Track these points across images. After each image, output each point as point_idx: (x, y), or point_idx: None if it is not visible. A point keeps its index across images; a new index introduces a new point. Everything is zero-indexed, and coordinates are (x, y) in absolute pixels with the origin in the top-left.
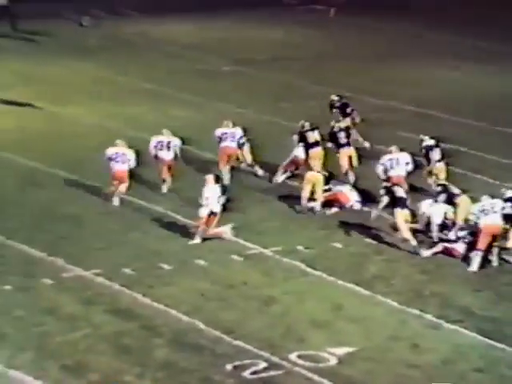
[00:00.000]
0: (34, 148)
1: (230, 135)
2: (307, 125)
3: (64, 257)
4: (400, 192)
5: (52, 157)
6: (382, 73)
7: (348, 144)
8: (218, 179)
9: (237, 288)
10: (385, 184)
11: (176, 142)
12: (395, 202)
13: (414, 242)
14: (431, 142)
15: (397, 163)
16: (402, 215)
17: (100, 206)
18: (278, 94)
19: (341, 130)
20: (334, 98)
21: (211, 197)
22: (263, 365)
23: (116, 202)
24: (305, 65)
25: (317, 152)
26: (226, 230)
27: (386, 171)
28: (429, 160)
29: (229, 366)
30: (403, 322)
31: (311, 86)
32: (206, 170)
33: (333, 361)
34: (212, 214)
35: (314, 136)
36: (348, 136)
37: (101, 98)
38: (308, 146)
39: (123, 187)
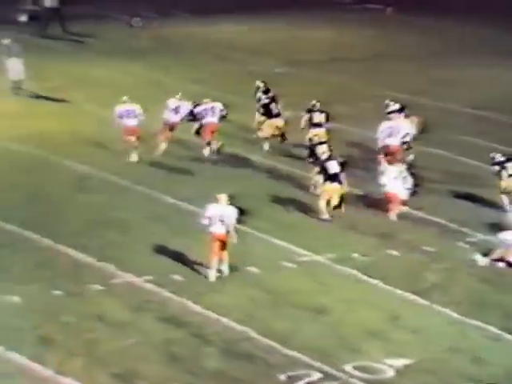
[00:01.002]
0: (85, 152)
1: (211, 111)
2: (318, 105)
3: (113, 263)
4: (333, 168)
5: (102, 161)
6: (439, 73)
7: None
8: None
9: (289, 296)
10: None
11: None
12: (328, 176)
13: (325, 216)
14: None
15: (397, 132)
16: (328, 188)
17: (149, 211)
18: (332, 96)
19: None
20: (389, 102)
21: (215, 217)
22: (317, 375)
23: (134, 158)
24: (360, 66)
25: (317, 132)
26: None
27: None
28: (500, 176)
29: (282, 377)
30: (463, 334)
31: (366, 88)
32: (255, 176)
33: (390, 373)
34: (216, 237)
35: (319, 117)
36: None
37: (150, 100)
38: (310, 125)
39: (136, 142)
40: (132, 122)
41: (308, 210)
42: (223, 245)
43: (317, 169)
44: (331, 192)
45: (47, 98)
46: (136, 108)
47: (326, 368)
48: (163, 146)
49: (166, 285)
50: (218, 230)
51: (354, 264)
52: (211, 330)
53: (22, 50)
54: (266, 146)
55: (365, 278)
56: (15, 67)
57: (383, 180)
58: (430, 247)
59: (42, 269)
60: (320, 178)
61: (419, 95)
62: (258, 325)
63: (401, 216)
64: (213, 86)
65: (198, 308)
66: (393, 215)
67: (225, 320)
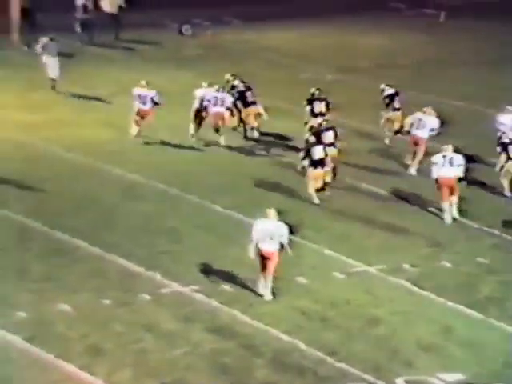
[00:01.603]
0: (134, 159)
1: (220, 100)
2: (317, 93)
3: (162, 272)
4: (318, 154)
5: (151, 169)
6: (496, 79)
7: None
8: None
9: (339, 307)
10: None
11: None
12: (312, 162)
13: (316, 200)
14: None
15: (423, 126)
16: (313, 173)
17: (199, 219)
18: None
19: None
20: (385, 87)
21: (264, 233)
22: None
23: (134, 131)
24: (412, 72)
25: (316, 122)
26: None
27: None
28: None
29: None
30: None
31: (419, 96)
32: (303, 184)
33: None
34: (264, 254)
35: (320, 106)
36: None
37: None
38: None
39: (147, 123)
40: (145, 106)
41: (358, 218)
42: (272, 263)
43: (302, 154)
44: (316, 177)
45: (97, 106)
46: (152, 93)
47: (378, 381)
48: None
49: (215, 295)
50: (267, 247)
51: (405, 275)
52: (260, 341)
53: (58, 49)
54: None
55: (417, 289)
56: (51, 65)
57: (433, 171)
58: (485, 259)
59: (92, 278)
60: (306, 163)
61: (471, 101)
62: (307, 336)
63: (454, 226)
64: (262, 93)
65: (246, 319)
66: (446, 203)
67: (274, 331)
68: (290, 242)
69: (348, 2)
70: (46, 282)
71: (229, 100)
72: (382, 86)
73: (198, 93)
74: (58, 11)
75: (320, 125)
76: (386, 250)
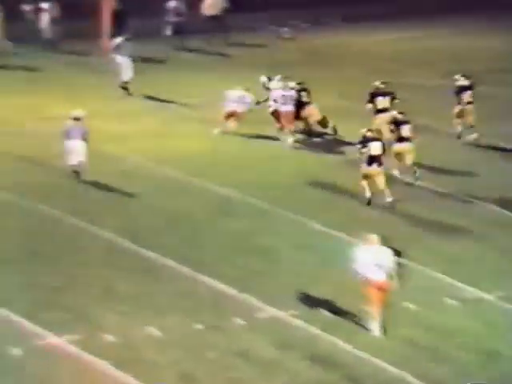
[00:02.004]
0: (227, 173)
1: (289, 98)
2: (382, 87)
3: (257, 295)
4: (375, 150)
5: (245, 183)
6: None
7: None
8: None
9: (452, 337)
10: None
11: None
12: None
13: (367, 194)
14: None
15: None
16: (366, 170)
17: (296, 238)
18: (498, 112)
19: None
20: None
21: (369, 262)
22: None
23: (216, 131)
24: None
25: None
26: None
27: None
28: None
29: None
30: None
31: None
32: (409, 201)
33: None
34: (373, 285)
35: (383, 102)
36: None
37: None
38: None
39: (234, 124)
40: (239, 108)
41: (468, 236)
42: (383, 294)
43: (358, 146)
44: (368, 175)
45: (188, 116)
46: (246, 95)
47: None
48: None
49: (315, 321)
50: (376, 276)
51: None
52: (364, 372)
53: (133, 50)
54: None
55: None
56: (124, 67)
57: None
58: None
59: (182, 299)
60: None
61: None
62: (415, 368)
63: None
64: (362, 101)
65: (349, 347)
66: None
67: (379, 362)
68: (398, 269)
69: (453, 1)
70: (134, 302)
71: (294, 97)
72: (457, 76)
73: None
74: (146, 15)
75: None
76: (505, 275)
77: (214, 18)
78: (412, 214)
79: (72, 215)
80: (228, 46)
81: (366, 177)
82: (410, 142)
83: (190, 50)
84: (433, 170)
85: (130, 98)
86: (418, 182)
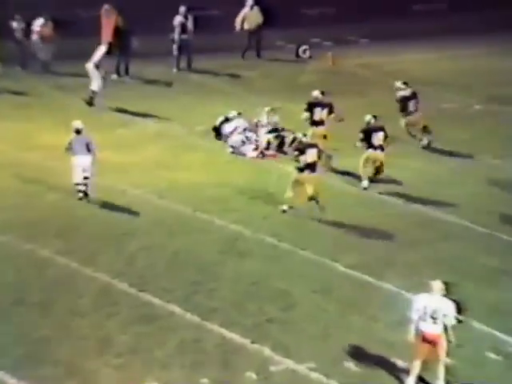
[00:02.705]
0: (238, 208)
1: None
2: (373, 122)
3: (271, 345)
4: (311, 157)
5: (258, 218)
6: None
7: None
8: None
9: None
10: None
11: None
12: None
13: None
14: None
15: None
16: (298, 176)
17: (316, 281)
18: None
19: None
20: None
21: (426, 311)
22: None
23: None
24: None
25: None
26: None
27: None
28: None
29: None
30: None
31: None
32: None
33: None
34: (427, 337)
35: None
36: None
37: None
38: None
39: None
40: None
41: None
42: (435, 348)
43: (296, 153)
44: (300, 181)
45: (195, 145)
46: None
47: None
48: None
49: (336, 375)
50: (429, 328)
51: None
52: None
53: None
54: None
55: None
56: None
57: None
58: None
59: (187, 351)
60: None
61: None
62: None
63: None
64: (393, 128)
65: None
66: None
67: None
68: (457, 324)
69: (492, 18)
70: (133, 355)
71: None
72: (399, 84)
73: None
74: (150, 33)
75: (369, 123)
76: None
77: (250, 33)
78: (451, 255)
79: (63, 255)
80: (242, 66)
81: (297, 182)
82: (383, 150)
83: (199, 71)
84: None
85: (130, 125)
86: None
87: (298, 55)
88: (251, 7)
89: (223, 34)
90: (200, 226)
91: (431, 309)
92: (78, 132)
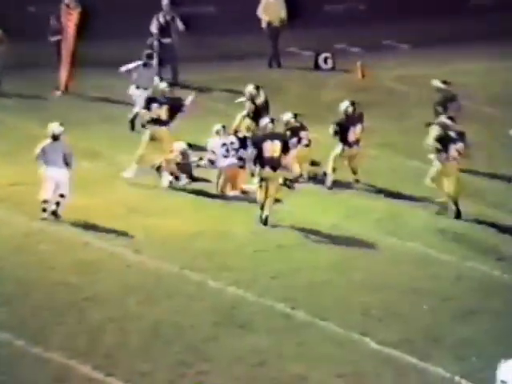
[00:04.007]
0: (237, 265)
1: None
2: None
3: None
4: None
5: (264, 279)
6: None
7: None
8: None
9: None
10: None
11: None
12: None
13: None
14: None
15: None
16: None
17: (340, 362)
18: None
19: None
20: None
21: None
22: None
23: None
24: None
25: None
26: None
27: None
28: None
29: None
30: None
31: None
32: None
33: None
34: None
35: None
36: None
37: None
38: None
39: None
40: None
41: None
42: None
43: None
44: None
45: (177, 184)
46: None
47: None
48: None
49: None
50: None
51: None
52: None
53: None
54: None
55: None
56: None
57: None
58: None
59: None
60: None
61: None
62: None
63: None
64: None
65: None
66: None
67: None
68: None
69: None
70: None
71: None
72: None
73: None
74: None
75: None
76: None
77: (271, 30)
78: None
79: (5, 330)
80: (244, 79)
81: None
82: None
83: (188, 86)
84: None
85: (96, 158)
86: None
87: (317, 65)
88: None
89: (220, 37)
90: (188, 289)
91: None
92: (54, 138)
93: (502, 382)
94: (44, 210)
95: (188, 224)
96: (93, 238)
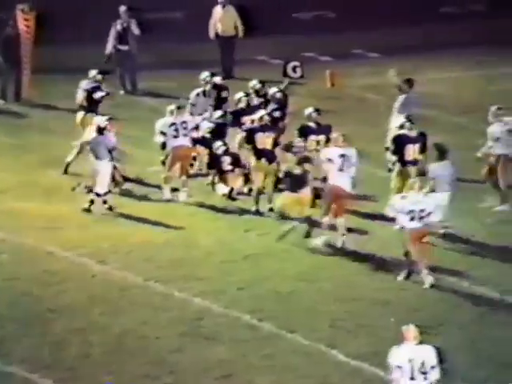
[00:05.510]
0: (203, 274)
1: None
2: None
3: None
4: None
5: (231, 289)
6: None
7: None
8: None
9: None
10: None
11: None
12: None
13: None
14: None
15: None
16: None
17: (307, 377)
18: None
19: None
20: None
21: (406, 364)
22: None
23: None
24: None
25: None
26: None
27: None
28: None
29: None
30: None
31: None
32: None
33: None
34: None
35: None
36: None
37: None
38: None
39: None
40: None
41: None
42: None
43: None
44: None
45: (147, 191)
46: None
47: None
48: None
49: None
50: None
51: None
52: None
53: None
54: None
55: None
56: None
57: None
58: None
59: None
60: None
61: None
62: None
63: None
64: None
65: None
66: None
67: None
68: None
69: None
70: None
71: None
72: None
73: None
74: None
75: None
76: None
77: (223, 40)
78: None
79: None
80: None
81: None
82: None
83: (153, 93)
84: None
85: (62, 165)
86: None
87: (286, 73)
88: (223, 5)
89: (185, 44)
90: (154, 300)
91: (419, 362)
92: (100, 131)
93: (398, 367)
94: (105, 202)
95: (154, 233)
96: (57, 248)
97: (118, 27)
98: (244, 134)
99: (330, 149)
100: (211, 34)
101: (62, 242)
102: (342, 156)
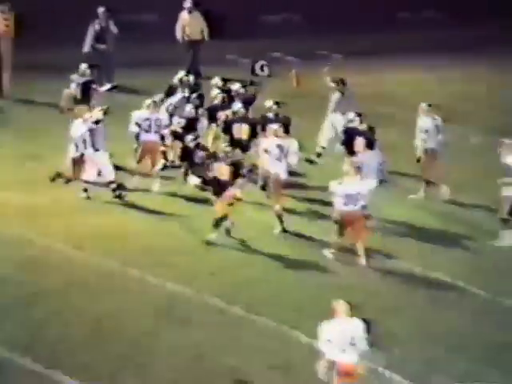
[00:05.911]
0: (178, 262)
1: None
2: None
3: None
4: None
5: (203, 275)
6: None
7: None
8: None
9: None
10: None
11: None
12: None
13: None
14: None
15: None
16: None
17: (273, 355)
18: None
19: None
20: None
21: (338, 339)
22: None
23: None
24: None
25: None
26: None
27: None
28: None
29: None
30: None
31: None
32: None
33: None
34: (344, 370)
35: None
36: None
37: None
38: None
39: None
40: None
41: None
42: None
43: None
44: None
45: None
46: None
47: None
48: None
49: None
50: (346, 359)
51: None
52: None
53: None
54: None
55: None
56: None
57: None
58: None
59: None
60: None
61: None
62: None
63: None
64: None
65: None
66: None
67: None
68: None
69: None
70: None
71: None
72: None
73: None
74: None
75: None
76: None
77: (191, 43)
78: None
79: None
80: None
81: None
82: None
83: (126, 90)
84: None
85: (41, 158)
86: None
87: (254, 72)
88: (189, 11)
89: (161, 44)
90: (129, 285)
91: (349, 335)
92: (97, 122)
93: (329, 341)
94: (114, 190)
95: (131, 222)
96: (36, 235)
97: (97, 27)
98: (222, 124)
99: (269, 139)
100: (178, 37)
101: (40, 230)
102: (279, 146)
